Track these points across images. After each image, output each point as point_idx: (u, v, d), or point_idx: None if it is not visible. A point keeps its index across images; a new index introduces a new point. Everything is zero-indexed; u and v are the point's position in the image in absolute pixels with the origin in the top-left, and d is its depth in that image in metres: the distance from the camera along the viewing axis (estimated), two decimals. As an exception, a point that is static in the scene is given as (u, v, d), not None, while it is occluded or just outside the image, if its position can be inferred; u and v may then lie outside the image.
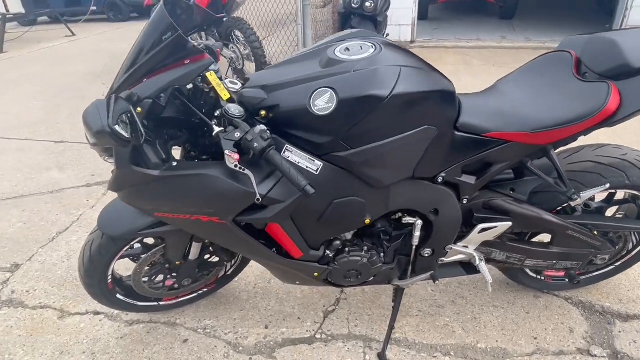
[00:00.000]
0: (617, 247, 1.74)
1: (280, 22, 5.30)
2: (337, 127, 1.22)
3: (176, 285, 1.76)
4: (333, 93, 1.21)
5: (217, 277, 1.93)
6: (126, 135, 1.05)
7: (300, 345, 1.80)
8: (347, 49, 1.32)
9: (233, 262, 1.91)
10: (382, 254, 1.55)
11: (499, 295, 2.02)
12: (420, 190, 1.44)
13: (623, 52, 1.33)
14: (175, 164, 1.27)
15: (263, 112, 1.29)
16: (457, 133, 1.37)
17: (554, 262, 1.69)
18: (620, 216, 1.85)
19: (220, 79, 1.31)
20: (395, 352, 1.75)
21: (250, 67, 4.91)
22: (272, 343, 1.81)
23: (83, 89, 5.25)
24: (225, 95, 1.29)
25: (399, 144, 1.28)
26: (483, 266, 1.63)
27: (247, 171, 1.20)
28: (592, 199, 1.73)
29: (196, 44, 1.31)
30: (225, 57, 5.03)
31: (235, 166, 1.19)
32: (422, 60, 1.34)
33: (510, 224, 1.55)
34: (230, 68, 4.97)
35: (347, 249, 1.51)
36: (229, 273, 1.96)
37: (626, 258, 1.85)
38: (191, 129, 1.36)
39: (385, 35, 5.00)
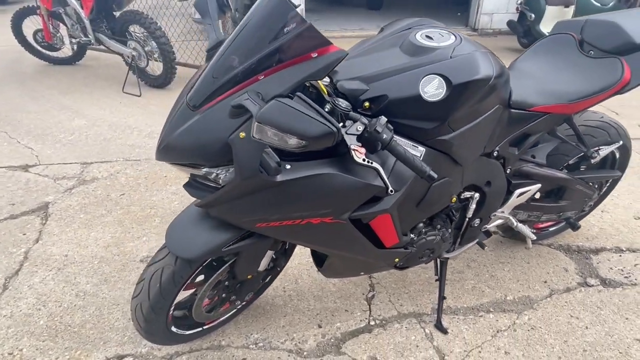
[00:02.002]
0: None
1: (175, 15, 4.94)
2: (447, 111, 1.27)
3: (237, 302, 1.62)
4: (441, 79, 1.25)
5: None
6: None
7: (362, 335, 1.81)
8: (428, 36, 1.36)
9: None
10: (449, 230, 1.64)
11: (499, 253, 2.29)
12: (482, 165, 1.56)
13: (626, 31, 1.63)
14: (289, 166, 1.17)
15: (367, 104, 1.27)
16: (511, 110, 1.53)
17: (562, 213, 1.99)
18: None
19: None
20: (447, 320, 1.88)
21: (156, 66, 4.49)
22: (333, 340, 1.79)
23: None
24: (323, 89, 1.23)
25: (484, 122, 1.39)
26: (521, 226, 1.84)
27: (374, 164, 1.18)
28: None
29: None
30: (123, 56, 4.52)
31: (364, 160, 1.16)
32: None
33: (539, 185, 1.78)
34: (130, 69, 4.48)
35: (423, 230, 1.57)
36: (266, 280, 1.85)
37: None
38: None
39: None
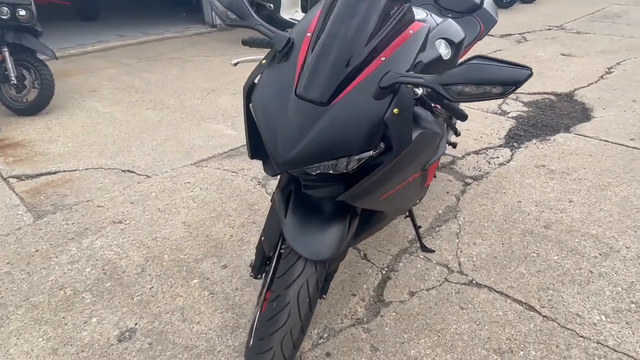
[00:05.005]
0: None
1: None
2: (453, 65, 1.62)
3: (323, 296, 1.59)
4: (445, 42, 1.59)
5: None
6: None
7: (388, 282, 2.05)
8: (409, 12, 1.66)
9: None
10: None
11: (405, 187, 2.84)
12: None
13: (468, -4, 2.30)
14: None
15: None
16: (441, 61, 2.01)
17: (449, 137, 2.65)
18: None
19: None
20: (425, 242, 2.30)
21: None
22: (372, 299, 1.96)
23: None
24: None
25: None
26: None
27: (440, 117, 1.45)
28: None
29: None
30: None
31: (440, 115, 1.41)
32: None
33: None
34: None
35: (428, 168, 1.91)
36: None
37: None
38: None
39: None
